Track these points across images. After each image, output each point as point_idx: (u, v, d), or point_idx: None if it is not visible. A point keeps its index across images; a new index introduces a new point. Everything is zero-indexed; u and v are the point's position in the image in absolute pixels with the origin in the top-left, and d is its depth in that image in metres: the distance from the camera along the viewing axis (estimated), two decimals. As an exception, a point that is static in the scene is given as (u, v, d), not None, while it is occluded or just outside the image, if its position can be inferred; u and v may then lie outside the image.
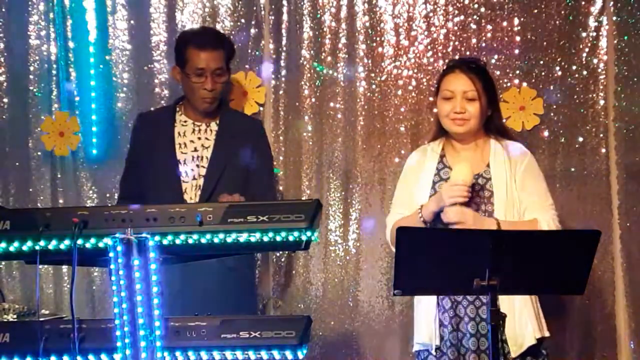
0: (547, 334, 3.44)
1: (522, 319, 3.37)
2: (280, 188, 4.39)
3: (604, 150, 4.24)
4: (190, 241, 2.71)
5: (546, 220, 3.43)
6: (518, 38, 4.27)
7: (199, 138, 3.92)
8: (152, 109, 4.32)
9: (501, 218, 3.41)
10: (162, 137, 3.92)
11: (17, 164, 4.51)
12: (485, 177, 3.49)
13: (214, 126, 3.94)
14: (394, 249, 3.55)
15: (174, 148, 3.89)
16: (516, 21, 4.27)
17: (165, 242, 2.71)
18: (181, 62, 3.90)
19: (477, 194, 3.46)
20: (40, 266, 3.94)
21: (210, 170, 3.85)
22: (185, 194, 3.84)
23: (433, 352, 3.44)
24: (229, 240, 2.69)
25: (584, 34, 4.24)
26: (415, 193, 3.53)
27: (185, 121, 3.95)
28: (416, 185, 3.51)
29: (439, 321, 3.43)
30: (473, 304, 3.41)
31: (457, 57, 4.27)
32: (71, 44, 4.46)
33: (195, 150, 3.90)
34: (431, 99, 4.17)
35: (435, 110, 3.76)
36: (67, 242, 2.72)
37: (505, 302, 3.32)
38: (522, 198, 3.44)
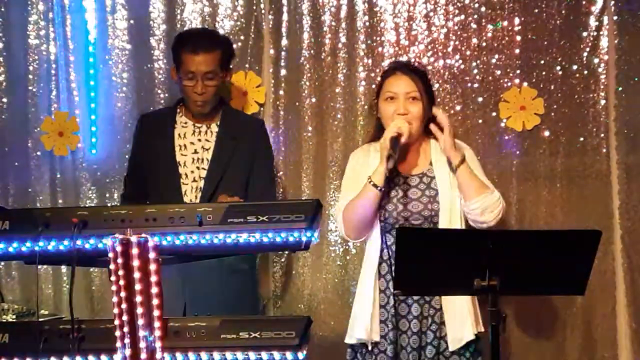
0: (482, 328, 3.46)
1: (463, 313, 3.41)
2: (280, 189, 4.38)
3: (604, 150, 4.24)
4: (190, 241, 2.70)
5: (497, 192, 3.44)
6: (519, 38, 4.27)
7: (199, 140, 3.92)
8: (152, 109, 4.31)
9: (445, 217, 3.43)
10: (162, 139, 3.92)
11: (16, 164, 4.50)
12: (429, 175, 3.51)
13: (214, 127, 3.94)
14: (346, 237, 3.53)
15: (174, 150, 3.89)
16: (517, 21, 4.27)
17: (165, 242, 2.71)
18: (177, 64, 3.90)
19: (424, 193, 3.47)
20: (40, 266, 3.95)
21: (211, 173, 3.85)
22: (185, 196, 3.84)
23: (369, 347, 3.45)
24: (228, 240, 2.69)
25: (584, 34, 4.24)
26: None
27: (185, 123, 3.95)
28: (361, 181, 3.47)
29: (379, 318, 3.44)
30: (418, 302, 3.43)
31: (457, 56, 4.28)
32: (71, 44, 4.46)
33: (196, 152, 3.90)
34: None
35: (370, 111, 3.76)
36: (66, 242, 2.71)
37: (448, 299, 3.40)
38: None
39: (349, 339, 3.52)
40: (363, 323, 3.43)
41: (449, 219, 3.43)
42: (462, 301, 3.40)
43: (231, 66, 4.03)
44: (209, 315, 2.77)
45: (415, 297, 3.41)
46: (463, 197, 3.42)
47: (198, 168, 3.88)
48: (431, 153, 3.54)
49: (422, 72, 3.58)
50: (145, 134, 4.00)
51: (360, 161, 3.58)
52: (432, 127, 3.50)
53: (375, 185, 3.39)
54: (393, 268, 3.39)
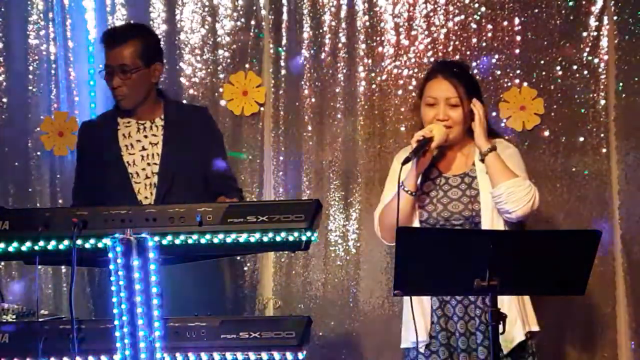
0: (536, 327, 3.43)
1: (512, 315, 3.36)
2: (280, 189, 4.38)
3: (604, 150, 4.24)
4: (189, 241, 2.71)
5: (530, 183, 3.41)
6: (518, 38, 4.26)
7: (146, 136, 3.84)
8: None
9: (488, 217, 3.40)
10: (107, 141, 3.83)
11: (16, 164, 4.50)
12: (471, 175, 3.48)
13: (159, 122, 3.86)
14: (383, 240, 3.52)
15: (120, 151, 3.81)
16: (517, 21, 4.26)
17: (164, 242, 2.71)
18: None
19: (464, 194, 3.45)
20: (40, 266, 3.94)
21: (163, 167, 3.78)
22: (139, 195, 3.77)
23: (422, 350, 3.42)
24: (228, 240, 2.69)
25: (584, 34, 4.23)
26: None
27: (128, 122, 3.86)
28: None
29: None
30: (461, 302, 3.40)
31: (457, 56, 4.27)
32: (70, 44, 4.46)
33: (144, 149, 3.83)
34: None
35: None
36: (66, 242, 2.72)
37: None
38: None
39: (405, 344, 3.48)
40: (418, 325, 3.32)
41: (492, 219, 3.40)
42: (509, 301, 3.32)
43: (163, 59, 3.95)
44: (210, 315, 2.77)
45: (458, 298, 3.38)
46: (491, 184, 3.39)
47: (149, 164, 3.80)
48: (474, 154, 3.51)
49: (464, 74, 3.53)
50: (88, 140, 3.91)
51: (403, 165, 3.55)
52: (473, 124, 3.48)
53: (406, 190, 3.37)
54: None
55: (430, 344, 3.41)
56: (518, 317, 3.37)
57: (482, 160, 3.43)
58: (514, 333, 3.36)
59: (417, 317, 3.39)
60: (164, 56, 3.97)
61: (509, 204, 3.35)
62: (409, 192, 3.39)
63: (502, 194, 3.35)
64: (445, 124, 3.43)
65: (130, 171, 3.79)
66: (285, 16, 4.37)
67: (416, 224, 3.44)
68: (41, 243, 2.73)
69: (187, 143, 3.80)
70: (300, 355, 2.72)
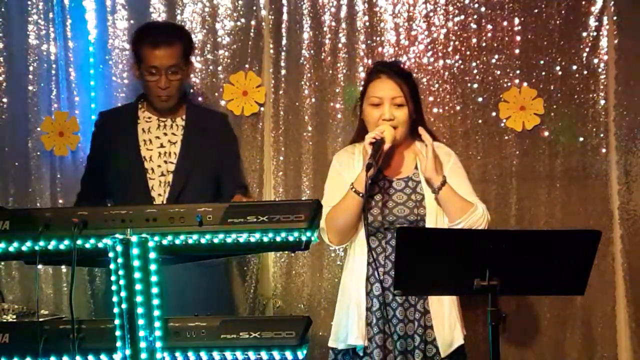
0: (465, 332, 3.46)
1: (452, 318, 3.39)
2: (280, 189, 4.38)
3: (604, 150, 4.24)
4: (190, 241, 2.71)
5: (481, 206, 3.41)
6: (518, 38, 4.27)
7: (165, 134, 3.88)
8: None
9: (432, 221, 3.40)
10: (125, 134, 3.86)
11: (16, 164, 4.50)
12: (415, 180, 3.48)
13: (179, 121, 3.90)
14: (330, 243, 3.49)
15: (138, 145, 3.84)
16: (516, 21, 4.27)
17: (165, 242, 2.71)
18: (138, 60, 3.86)
19: (409, 198, 3.44)
20: (40, 266, 3.94)
21: (180, 166, 3.81)
22: (152, 191, 3.80)
23: (360, 352, 3.42)
24: (228, 240, 2.69)
25: (584, 34, 4.24)
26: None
27: (149, 117, 3.90)
28: (345, 185, 3.43)
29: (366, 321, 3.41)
30: (402, 305, 3.40)
31: (457, 56, 4.27)
32: (71, 44, 4.46)
33: (162, 146, 3.86)
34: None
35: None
36: (66, 242, 2.71)
37: (436, 303, 3.37)
38: None
39: (336, 344, 3.48)
40: (355, 328, 3.39)
41: (435, 224, 3.40)
42: (450, 305, 3.39)
43: (192, 60, 3.99)
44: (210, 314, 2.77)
45: (399, 300, 3.39)
46: (447, 217, 3.39)
47: (166, 162, 3.83)
48: (416, 157, 3.50)
49: (407, 74, 3.52)
50: (106, 131, 3.93)
51: (344, 164, 3.53)
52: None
53: (357, 192, 3.35)
54: (380, 270, 3.40)
55: (367, 347, 3.40)
56: (457, 321, 3.41)
57: (436, 192, 3.39)
58: (453, 337, 3.39)
59: (358, 319, 3.39)
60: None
61: None
62: (360, 194, 3.34)
63: (463, 227, 3.35)
64: (391, 124, 3.40)
65: (146, 166, 3.82)
66: (285, 16, 4.37)
67: (360, 227, 3.41)
68: (41, 243, 2.73)
69: (204, 146, 3.85)
70: (300, 355, 2.72)
